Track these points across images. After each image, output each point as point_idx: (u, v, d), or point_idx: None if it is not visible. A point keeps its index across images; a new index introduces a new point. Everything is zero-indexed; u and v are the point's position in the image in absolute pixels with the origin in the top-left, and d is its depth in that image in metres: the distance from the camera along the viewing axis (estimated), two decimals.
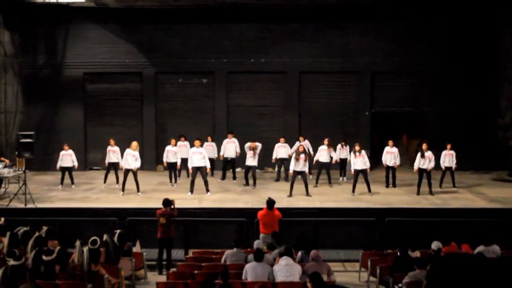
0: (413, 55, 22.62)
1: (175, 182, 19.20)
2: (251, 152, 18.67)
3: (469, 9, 22.03)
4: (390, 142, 18.81)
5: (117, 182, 18.37)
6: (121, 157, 18.32)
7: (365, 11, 22.38)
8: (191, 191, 17.43)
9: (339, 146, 19.84)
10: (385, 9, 22.18)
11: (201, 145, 17.95)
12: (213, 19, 22.85)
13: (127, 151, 17.64)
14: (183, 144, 19.77)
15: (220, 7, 22.12)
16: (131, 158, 17.50)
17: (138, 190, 17.54)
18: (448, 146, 18.51)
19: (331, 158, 19.31)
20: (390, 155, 18.63)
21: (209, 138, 20.66)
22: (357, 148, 17.57)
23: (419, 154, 17.65)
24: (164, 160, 19.14)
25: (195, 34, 23.09)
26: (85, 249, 10.11)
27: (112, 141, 19.07)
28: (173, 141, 19.16)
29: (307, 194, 17.20)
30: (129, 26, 23.07)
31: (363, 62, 22.83)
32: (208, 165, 17.64)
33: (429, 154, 17.52)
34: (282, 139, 19.95)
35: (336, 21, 22.86)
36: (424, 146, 17.75)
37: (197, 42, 23.08)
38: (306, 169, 17.53)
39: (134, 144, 17.79)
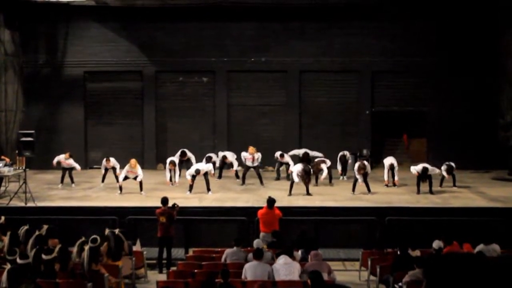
0: (413, 54, 22.59)
1: (175, 181, 19.12)
2: (250, 157, 18.70)
3: (470, 8, 22.00)
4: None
5: (117, 181, 18.37)
6: (118, 166, 18.53)
7: (366, 10, 22.35)
8: (190, 191, 17.40)
9: (338, 159, 19.75)
10: (386, 8, 22.16)
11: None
12: (214, 17, 22.83)
13: (126, 168, 17.55)
14: (185, 159, 19.57)
15: (221, 6, 22.11)
16: (131, 175, 17.49)
17: (141, 190, 17.54)
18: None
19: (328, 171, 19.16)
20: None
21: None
22: (361, 166, 17.42)
23: (419, 173, 17.44)
24: (167, 178, 18.79)
25: (196, 33, 23.07)
26: (86, 248, 10.09)
27: (107, 160, 18.91)
28: (171, 165, 18.70)
29: (308, 193, 17.19)
30: (130, 24, 23.05)
31: (364, 61, 22.81)
32: (212, 171, 17.88)
33: (430, 172, 17.46)
34: (282, 154, 19.78)
35: (337, 20, 22.82)
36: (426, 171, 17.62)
37: (197, 41, 23.06)
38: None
39: (133, 162, 17.60)
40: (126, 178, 17.59)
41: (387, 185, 18.54)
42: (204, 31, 23.07)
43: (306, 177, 17.02)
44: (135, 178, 17.55)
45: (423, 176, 17.34)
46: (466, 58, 22.45)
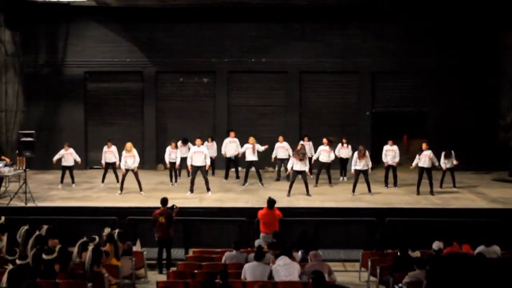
0: (414, 55, 22.59)
1: (175, 181, 19.19)
2: (251, 146, 18.74)
3: (471, 9, 21.99)
4: (390, 141, 18.82)
5: (117, 181, 18.40)
6: (119, 157, 18.49)
7: (366, 11, 22.35)
8: (191, 191, 17.44)
9: (339, 145, 19.89)
10: (386, 8, 22.15)
11: (202, 144, 18.03)
12: (214, 18, 22.84)
13: (124, 154, 17.64)
14: (183, 146, 19.75)
15: (221, 7, 22.12)
16: (129, 160, 17.51)
17: (140, 190, 17.55)
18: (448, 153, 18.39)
19: (335, 156, 19.26)
20: (391, 153, 18.62)
21: (209, 139, 20.67)
22: (361, 148, 17.53)
23: (418, 154, 17.71)
24: (167, 160, 19.03)
25: (196, 34, 23.08)
26: (90, 248, 10.08)
27: (109, 143, 19.06)
28: (173, 144, 19.09)
29: (307, 193, 17.19)
30: (130, 25, 23.05)
31: (364, 62, 22.82)
32: (208, 163, 17.63)
33: (428, 153, 17.54)
34: (281, 138, 19.91)
35: (337, 20, 22.84)
36: (424, 145, 17.77)
37: (198, 42, 23.07)
38: (306, 169, 17.48)
39: (128, 145, 17.72)
40: (127, 170, 17.50)
41: (386, 182, 18.56)
42: (205, 32, 23.08)
43: (301, 155, 17.13)
44: (132, 170, 17.49)
45: (420, 153, 17.49)
46: (466, 59, 22.45)
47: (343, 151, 19.83)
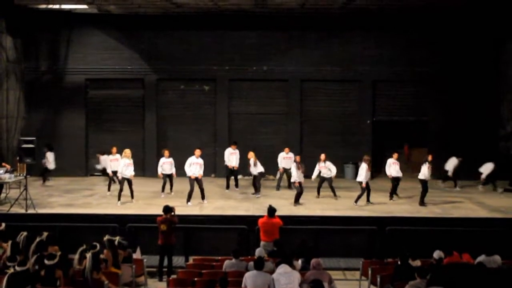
0: (415, 63, 22.66)
1: (171, 190, 18.82)
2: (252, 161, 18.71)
3: (472, 18, 22.05)
4: (395, 155, 18.44)
5: (109, 188, 18.30)
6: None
7: (367, 19, 22.43)
8: (189, 201, 17.23)
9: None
10: (387, 17, 22.22)
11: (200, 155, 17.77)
12: (215, 26, 22.91)
13: (126, 161, 17.44)
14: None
15: (222, 14, 22.19)
16: (127, 168, 17.40)
17: (132, 197, 17.53)
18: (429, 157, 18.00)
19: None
20: (396, 166, 18.34)
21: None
22: (367, 158, 17.41)
23: (426, 164, 17.56)
24: (159, 172, 18.56)
25: (197, 41, 23.14)
26: (88, 255, 10.08)
27: (114, 150, 18.94)
28: (166, 152, 18.59)
29: (296, 202, 17.15)
30: (131, 32, 23.11)
31: (365, 70, 22.88)
32: (201, 172, 17.41)
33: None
34: (286, 149, 19.80)
35: (337, 29, 22.91)
36: (430, 157, 17.69)
37: (199, 49, 23.12)
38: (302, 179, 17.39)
39: (127, 151, 17.53)
40: (124, 179, 17.41)
41: (392, 195, 18.41)
42: (206, 40, 23.14)
43: (300, 165, 17.19)
44: (128, 183, 17.45)
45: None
46: (467, 68, 22.51)
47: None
